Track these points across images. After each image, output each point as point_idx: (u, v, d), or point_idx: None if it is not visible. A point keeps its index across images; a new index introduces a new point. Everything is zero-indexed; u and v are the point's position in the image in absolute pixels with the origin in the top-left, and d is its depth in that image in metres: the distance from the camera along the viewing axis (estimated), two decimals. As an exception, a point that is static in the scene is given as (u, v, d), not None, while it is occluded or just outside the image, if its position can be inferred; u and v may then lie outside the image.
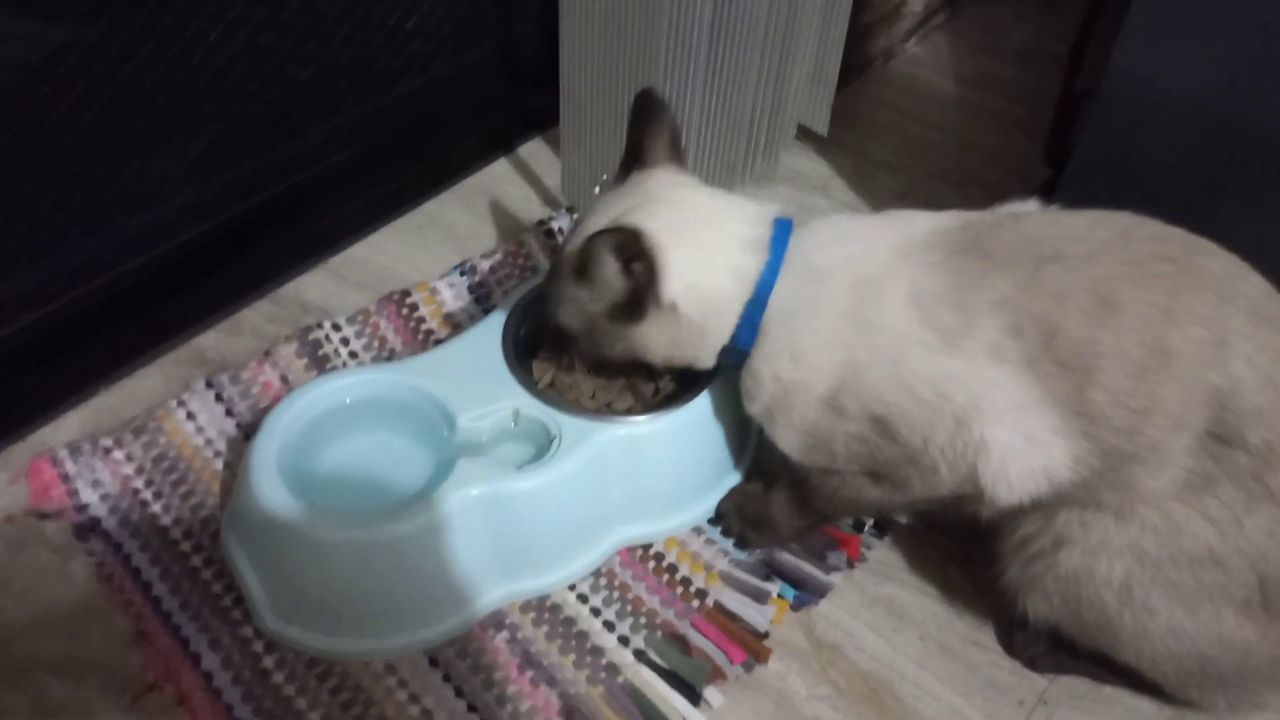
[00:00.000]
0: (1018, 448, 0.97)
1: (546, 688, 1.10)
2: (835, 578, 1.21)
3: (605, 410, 1.22)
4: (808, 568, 1.21)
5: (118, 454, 1.26)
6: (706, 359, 1.12)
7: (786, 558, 1.22)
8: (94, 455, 1.25)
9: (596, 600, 1.18)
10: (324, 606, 1.11)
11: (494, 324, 1.24)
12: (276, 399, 1.27)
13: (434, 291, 1.47)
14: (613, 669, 1.12)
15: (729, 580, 1.20)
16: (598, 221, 1.08)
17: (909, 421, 1.00)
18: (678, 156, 1.15)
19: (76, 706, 1.07)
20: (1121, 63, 1.27)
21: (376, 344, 1.42)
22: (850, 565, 1.23)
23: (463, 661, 1.12)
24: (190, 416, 1.31)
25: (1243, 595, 0.97)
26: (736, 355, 1.09)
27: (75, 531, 1.21)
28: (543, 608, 1.17)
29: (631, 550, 1.22)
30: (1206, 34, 1.20)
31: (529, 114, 1.80)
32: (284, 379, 1.36)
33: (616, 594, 1.18)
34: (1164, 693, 1.09)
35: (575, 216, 1.57)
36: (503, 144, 1.78)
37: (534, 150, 1.79)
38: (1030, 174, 1.70)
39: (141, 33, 1.32)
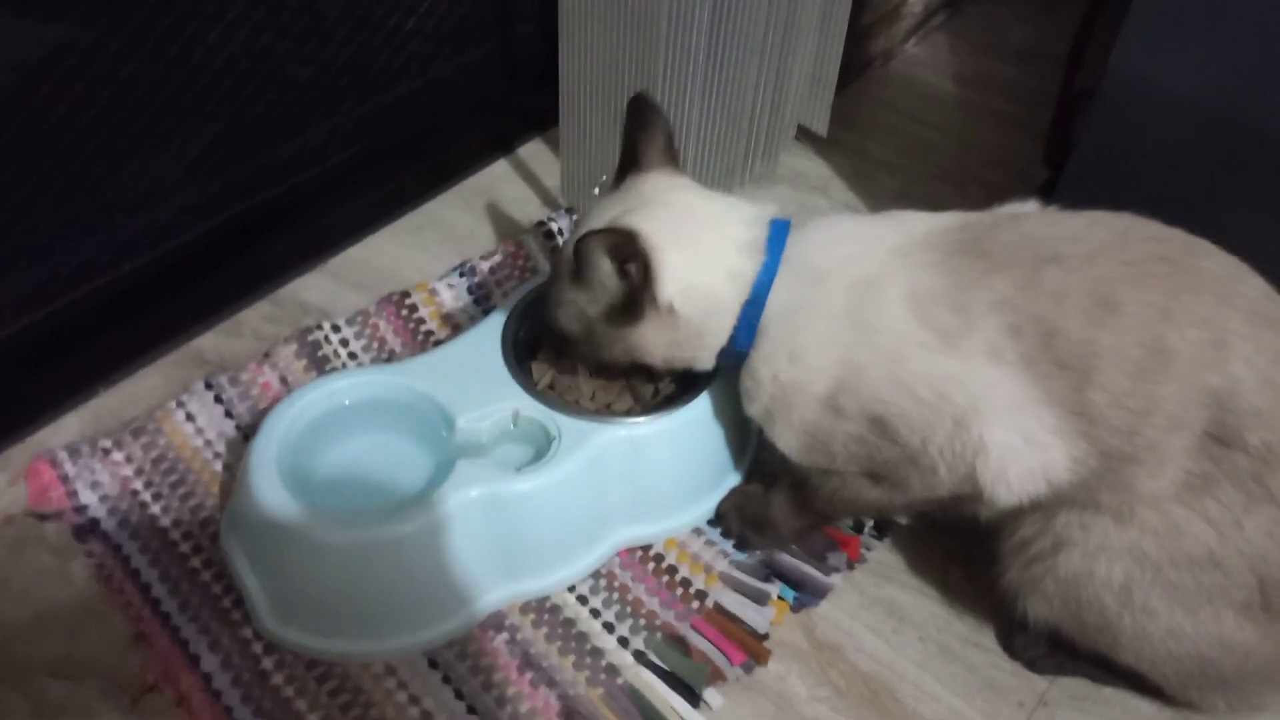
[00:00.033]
0: (1016, 448, 0.97)
1: (546, 689, 1.10)
2: (835, 579, 1.21)
3: (605, 411, 1.22)
4: (808, 569, 1.21)
5: (117, 455, 1.26)
6: (705, 360, 1.12)
7: (786, 559, 1.22)
8: (93, 456, 1.25)
9: (596, 601, 1.18)
10: (323, 608, 1.11)
11: (493, 325, 1.24)
12: (276, 400, 1.27)
13: (433, 292, 1.47)
14: (612, 670, 1.12)
15: (729, 581, 1.20)
16: (594, 225, 1.08)
17: (908, 422, 1.00)
18: (673, 160, 1.15)
19: (75, 708, 1.07)
20: (1121, 63, 1.26)
21: (376, 345, 1.42)
22: (850, 566, 1.22)
23: (462, 663, 1.12)
24: (189, 418, 1.31)
25: (1242, 597, 0.96)
26: (735, 356, 1.09)
27: (74, 533, 1.21)
28: (542, 609, 1.17)
29: (631, 551, 1.22)
30: (1206, 34, 1.20)
31: (529, 114, 1.80)
32: (283, 380, 1.36)
33: (616, 595, 1.18)
34: (1164, 694, 1.09)
35: (575, 218, 1.57)
36: (502, 144, 1.78)
37: (534, 151, 1.79)
38: (1030, 174, 1.70)
39: (141, 33, 1.32)
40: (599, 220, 1.09)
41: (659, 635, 1.15)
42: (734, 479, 1.28)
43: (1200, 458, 0.94)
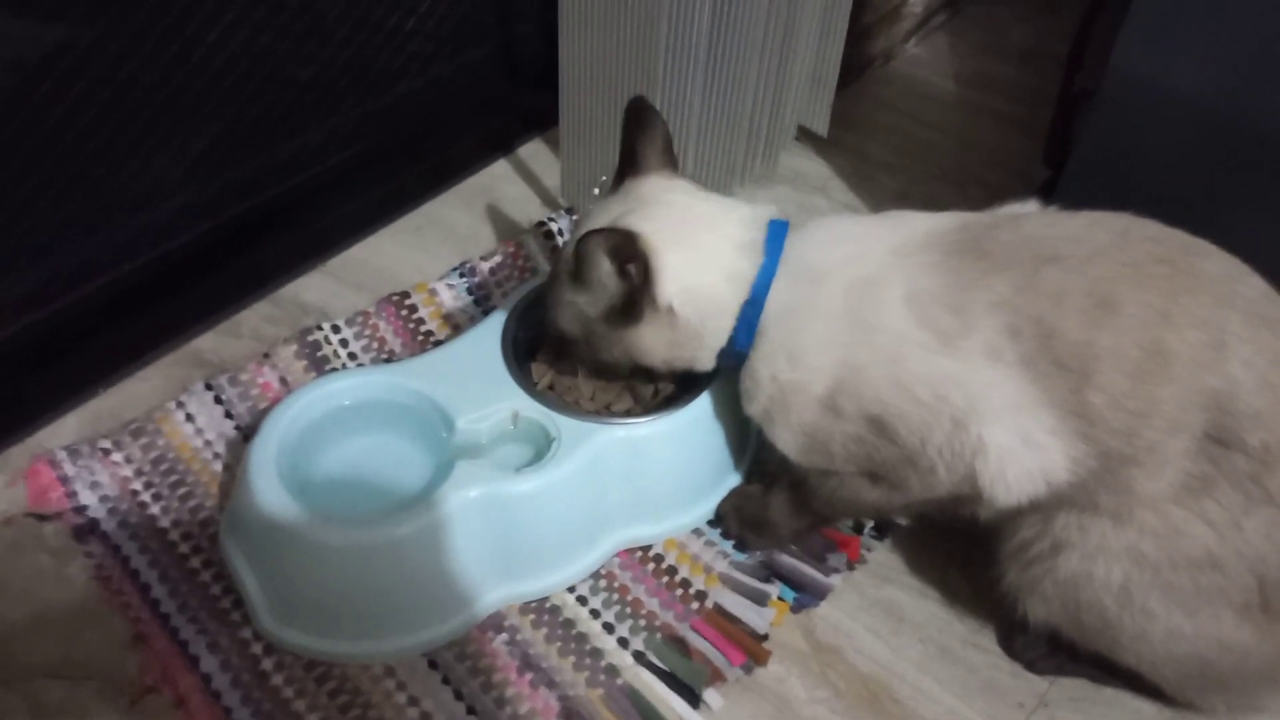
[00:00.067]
0: (1015, 449, 0.97)
1: (546, 690, 1.10)
2: (835, 580, 1.21)
3: (604, 412, 1.22)
4: (807, 570, 1.21)
5: (116, 456, 1.26)
6: (705, 361, 1.12)
7: (786, 560, 1.22)
8: (93, 457, 1.25)
9: (596, 602, 1.18)
10: (323, 608, 1.11)
11: (493, 325, 1.24)
12: (275, 401, 1.27)
13: (433, 293, 1.47)
14: (612, 671, 1.12)
15: (728, 582, 1.20)
16: (594, 227, 1.08)
17: (906, 422, 1.00)
18: (671, 162, 1.15)
19: (75, 709, 1.07)
20: (1121, 63, 1.26)
21: (376, 345, 1.42)
22: (850, 567, 1.22)
23: (462, 664, 1.12)
24: (189, 418, 1.31)
25: (1241, 598, 0.96)
26: (735, 357, 1.09)
27: (74, 533, 1.21)
28: (542, 610, 1.17)
29: (631, 552, 1.22)
30: (1206, 34, 1.20)
31: (529, 114, 1.80)
32: (283, 381, 1.35)
33: (616, 596, 1.18)
34: (1164, 695, 1.09)
35: (575, 218, 1.57)
36: (502, 145, 1.78)
37: (534, 151, 1.79)
38: (1030, 174, 1.70)
39: (141, 33, 1.32)
40: (599, 222, 1.09)
41: (659, 636, 1.15)
42: (734, 479, 1.28)
43: (1199, 459, 0.94)
